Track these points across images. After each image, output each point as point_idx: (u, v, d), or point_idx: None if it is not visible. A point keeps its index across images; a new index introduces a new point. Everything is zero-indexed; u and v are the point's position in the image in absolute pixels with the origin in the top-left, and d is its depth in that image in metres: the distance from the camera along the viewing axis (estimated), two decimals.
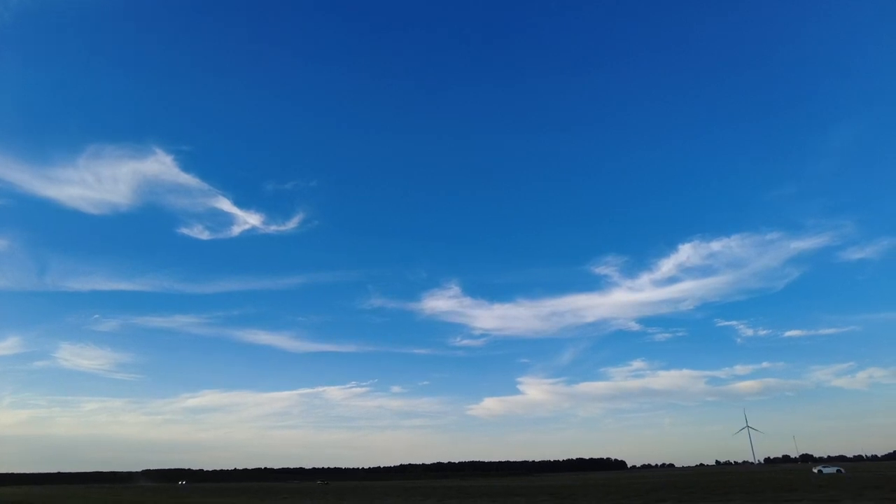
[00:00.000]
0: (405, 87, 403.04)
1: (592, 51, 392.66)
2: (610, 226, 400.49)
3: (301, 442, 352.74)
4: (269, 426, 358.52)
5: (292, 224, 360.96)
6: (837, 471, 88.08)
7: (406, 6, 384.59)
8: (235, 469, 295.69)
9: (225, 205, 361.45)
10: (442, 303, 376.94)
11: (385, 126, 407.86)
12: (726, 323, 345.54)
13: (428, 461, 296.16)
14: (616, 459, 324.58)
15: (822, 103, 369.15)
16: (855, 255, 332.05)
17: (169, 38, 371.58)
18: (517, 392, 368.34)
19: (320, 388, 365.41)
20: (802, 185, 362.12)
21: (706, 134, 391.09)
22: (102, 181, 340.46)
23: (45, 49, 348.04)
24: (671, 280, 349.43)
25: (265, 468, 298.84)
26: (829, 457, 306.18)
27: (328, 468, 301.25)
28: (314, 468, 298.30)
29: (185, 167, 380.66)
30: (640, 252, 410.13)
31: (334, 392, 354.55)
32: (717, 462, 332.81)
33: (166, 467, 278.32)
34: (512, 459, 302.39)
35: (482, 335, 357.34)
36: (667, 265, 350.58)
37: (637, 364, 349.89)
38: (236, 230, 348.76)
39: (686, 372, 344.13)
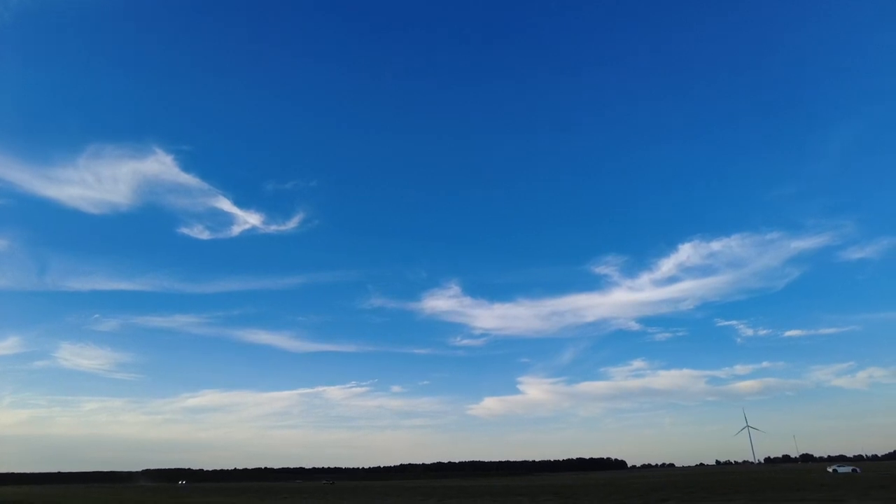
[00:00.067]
0: (405, 87, 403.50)
1: (592, 51, 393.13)
2: (610, 225, 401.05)
3: (301, 442, 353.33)
4: (269, 426, 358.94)
5: (292, 224, 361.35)
6: (853, 470, 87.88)
7: (406, 6, 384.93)
8: (235, 469, 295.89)
9: (225, 205, 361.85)
10: (442, 302, 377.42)
11: (385, 126, 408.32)
12: (726, 323, 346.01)
13: (428, 461, 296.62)
14: (616, 459, 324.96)
15: (822, 103, 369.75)
16: (855, 254, 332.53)
17: (169, 38, 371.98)
18: (517, 392, 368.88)
19: (320, 388, 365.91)
20: (802, 185, 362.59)
21: (706, 134, 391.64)
22: (102, 181, 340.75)
23: (45, 49, 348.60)
24: (671, 280, 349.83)
25: (265, 468, 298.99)
26: (829, 456, 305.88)
27: (328, 468, 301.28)
28: (314, 468, 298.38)
29: (186, 167, 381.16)
30: (640, 252, 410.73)
31: (334, 392, 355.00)
32: (717, 462, 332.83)
33: (166, 467, 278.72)
34: (512, 459, 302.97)
35: (482, 335, 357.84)
36: (667, 265, 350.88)
37: (637, 364, 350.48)
38: (236, 230, 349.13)
39: (686, 372, 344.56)
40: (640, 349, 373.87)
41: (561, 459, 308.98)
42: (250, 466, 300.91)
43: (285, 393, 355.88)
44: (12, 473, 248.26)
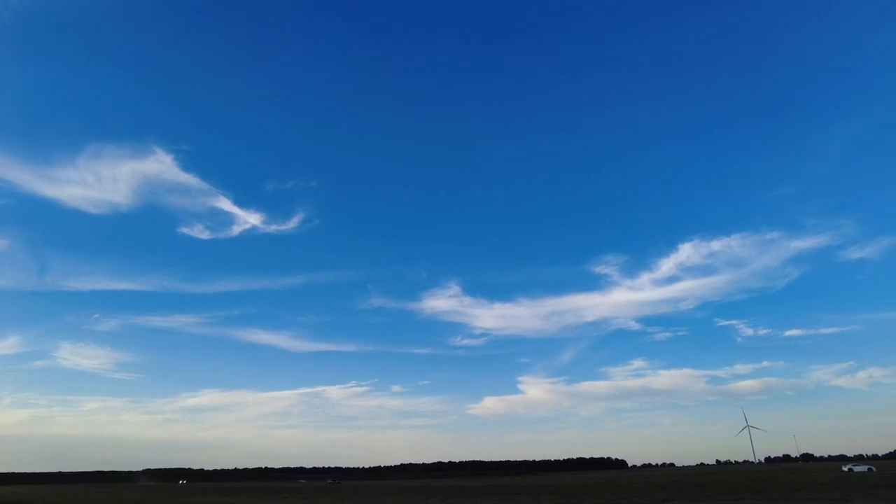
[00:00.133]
0: (405, 87, 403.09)
1: (592, 51, 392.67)
2: (610, 225, 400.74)
3: (301, 441, 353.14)
4: (269, 426, 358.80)
5: (292, 224, 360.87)
6: (868, 469, 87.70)
7: (406, 6, 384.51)
8: (236, 469, 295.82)
9: (225, 204, 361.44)
10: (442, 302, 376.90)
11: (385, 126, 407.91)
12: (726, 322, 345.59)
13: (428, 461, 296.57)
14: (616, 459, 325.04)
15: (822, 103, 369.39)
16: (855, 254, 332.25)
17: (169, 38, 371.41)
18: (517, 391, 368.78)
19: (320, 388, 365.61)
20: (802, 185, 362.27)
21: (706, 133, 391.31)
22: (102, 181, 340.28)
23: (45, 49, 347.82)
24: (671, 279, 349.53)
25: (265, 468, 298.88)
26: (829, 456, 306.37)
27: (328, 468, 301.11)
28: (314, 468, 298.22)
29: (186, 167, 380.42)
30: (640, 251, 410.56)
31: (334, 392, 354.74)
32: (717, 461, 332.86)
33: (166, 467, 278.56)
34: (512, 459, 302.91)
35: (482, 335, 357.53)
36: (667, 265, 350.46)
37: (637, 363, 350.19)
38: (236, 230, 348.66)
39: (686, 371, 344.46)
40: (641, 349, 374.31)
41: (561, 459, 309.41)
42: (250, 466, 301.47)
43: (285, 393, 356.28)
44: (12, 473, 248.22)
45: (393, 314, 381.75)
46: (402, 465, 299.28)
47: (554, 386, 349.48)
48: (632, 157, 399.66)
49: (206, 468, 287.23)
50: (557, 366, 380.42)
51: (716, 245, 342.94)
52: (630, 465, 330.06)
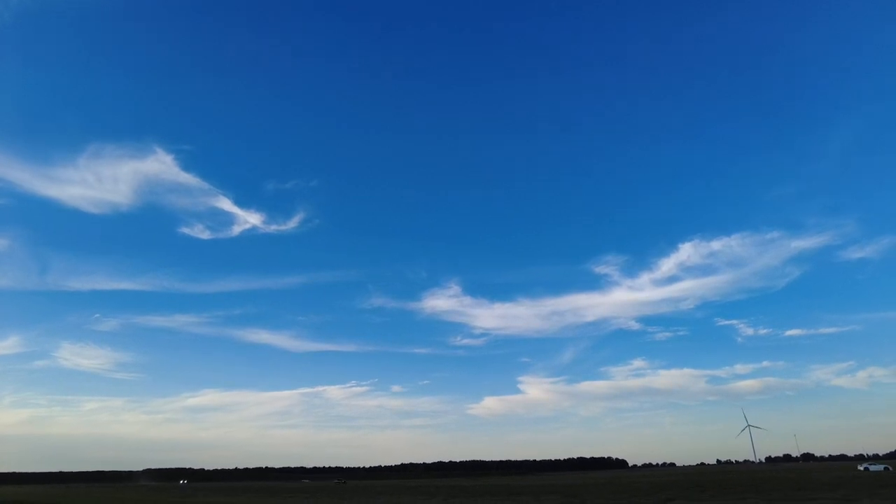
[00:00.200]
0: (405, 87, 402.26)
1: (592, 51, 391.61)
2: (610, 225, 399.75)
3: (301, 441, 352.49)
4: (269, 425, 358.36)
5: (293, 223, 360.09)
6: (885, 469, 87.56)
7: (406, 6, 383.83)
8: (236, 468, 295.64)
9: (225, 204, 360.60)
10: (442, 302, 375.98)
11: (385, 126, 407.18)
12: (727, 322, 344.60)
13: (428, 461, 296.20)
14: (617, 458, 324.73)
15: (822, 102, 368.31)
16: (855, 254, 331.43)
17: (169, 38, 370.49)
18: (517, 391, 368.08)
19: (321, 388, 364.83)
20: (803, 185, 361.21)
21: (706, 133, 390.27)
22: (103, 181, 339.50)
23: (45, 49, 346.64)
24: (672, 279, 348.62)
25: (266, 467, 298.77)
26: (830, 455, 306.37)
27: (329, 467, 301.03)
28: (315, 467, 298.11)
29: (186, 167, 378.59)
30: (640, 251, 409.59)
31: (334, 391, 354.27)
32: (717, 461, 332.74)
33: (167, 466, 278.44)
34: (512, 459, 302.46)
35: (482, 334, 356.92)
36: (667, 264, 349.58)
37: (637, 363, 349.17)
38: (237, 230, 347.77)
39: (686, 371, 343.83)
40: (641, 349, 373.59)
41: (562, 459, 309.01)
42: (251, 466, 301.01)
43: (286, 392, 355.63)
44: (13, 473, 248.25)
45: (393, 314, 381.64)
46: (402, 464, 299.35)
47: (554, 386, 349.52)
48: (632, 156, 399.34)
49: (206, 468, 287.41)
50: (557, 366, 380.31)
51: (716, 245, 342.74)
52: (630, 464, 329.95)
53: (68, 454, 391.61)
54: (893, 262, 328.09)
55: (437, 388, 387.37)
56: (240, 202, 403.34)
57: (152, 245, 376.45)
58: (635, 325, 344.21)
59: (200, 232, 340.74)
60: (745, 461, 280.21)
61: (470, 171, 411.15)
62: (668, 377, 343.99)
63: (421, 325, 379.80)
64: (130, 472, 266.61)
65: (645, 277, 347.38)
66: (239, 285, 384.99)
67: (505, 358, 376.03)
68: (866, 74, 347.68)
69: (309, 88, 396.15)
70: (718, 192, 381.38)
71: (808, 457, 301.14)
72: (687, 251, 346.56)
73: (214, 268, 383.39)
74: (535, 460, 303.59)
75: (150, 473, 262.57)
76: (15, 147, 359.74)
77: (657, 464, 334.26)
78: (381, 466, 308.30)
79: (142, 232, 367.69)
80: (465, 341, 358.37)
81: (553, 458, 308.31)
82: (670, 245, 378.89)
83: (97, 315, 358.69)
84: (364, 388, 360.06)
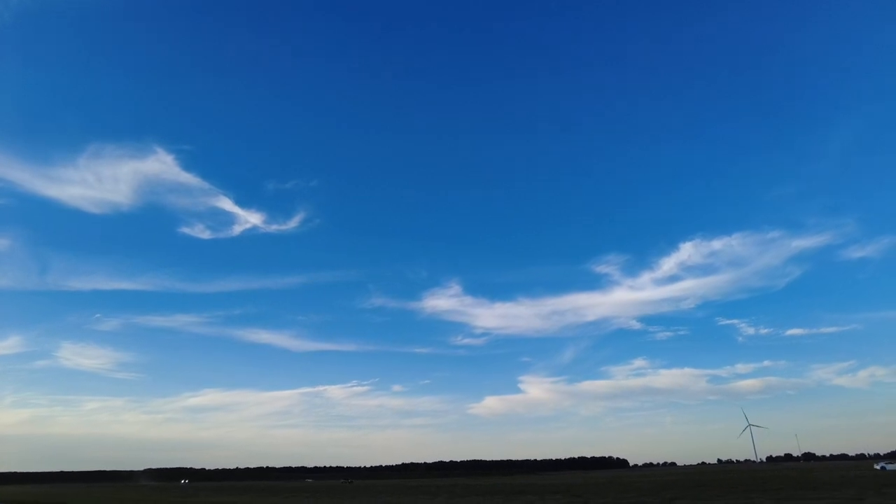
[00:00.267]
0: (405, 86, 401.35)
1: (592, 51, 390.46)
2: (611, 225, 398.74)
3: (302, 441, 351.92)
4: (270, 425, 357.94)
5: (293, 223, 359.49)
6: None
7: (406, 6, 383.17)
8: (237, 468, 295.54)
9: (226, 204, 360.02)
10: (443, 302, 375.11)
11: (385, 126, 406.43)
12: (727, 321, 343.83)
13: (429, 460, 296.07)
14: (618, 458, 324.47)
15: (822, 102, 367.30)
16: (856, 253, 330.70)
17: (169, 38, 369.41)
18: (518, 391, 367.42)
19: (321, 388, 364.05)
20: (803, 184, 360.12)
21: (707, 133, 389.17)
22: (103, 180, 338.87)
23: (45, 49, 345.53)
24: (672, 279, 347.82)
25: (267, 467, 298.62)
26: (831, 455, 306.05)
27: (330, 467, 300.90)
28: (316, 467, 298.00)
29: (186, 166, 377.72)
30: (641, 251, 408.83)
31: (335, 391, 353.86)
32: (718, 461, 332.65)
33: (167, 466, 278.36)
34: (513, 458, 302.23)
35: (483, 334, 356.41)
36: (668, 264, 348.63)
37: (638, 363, 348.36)
38: (237, 229, 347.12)
39: (687, 370, 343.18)
40: (641, 348, 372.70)
41: (562, 458, 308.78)
42: (252, 466, 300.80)
43: (286, 392, 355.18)
44: (14, 473, 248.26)
45: (393, 314, 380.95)
46: (403, 464, 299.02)
47: (555, 385, 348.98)
48: (632, 156, 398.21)
49: (207, 468, 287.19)
50: (558, 365, 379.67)
51: (717, 244, 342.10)
52: (631, 464, 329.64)
53: (69, 454, 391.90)
54: (894, 262, 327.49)
55: (437, 388, 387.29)
56: (240, 202, 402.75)
57: (153, 245, 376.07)
58: (636, 325, 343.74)
59: (201, 232, 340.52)
60: (747, 461, 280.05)
61: (470, 170, 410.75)
62: (669, 377, 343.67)
63: (421, 325, 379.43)
64: (131, 472, 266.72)
65: (646, 277, 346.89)
66: (239, 285, 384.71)
67: (505, 357, 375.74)
68: (866, 74, 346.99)
69: (309, 88, 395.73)
70: (719, 191, 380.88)
71: (809, 456, 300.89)
72: (688, 251, 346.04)
73: (215, 268, 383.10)
74: (535, 460, 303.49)
75: (150, 473, 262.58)
76: (15, 147, 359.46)
77: (658, 463, 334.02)
78: (381, 466, 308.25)
79: (142, 232, 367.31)
80: (466, 341, 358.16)
81: (554, 458, 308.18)
82: (671, 244, 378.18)
83: (98, 315, 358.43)
84: (365, 388, 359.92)
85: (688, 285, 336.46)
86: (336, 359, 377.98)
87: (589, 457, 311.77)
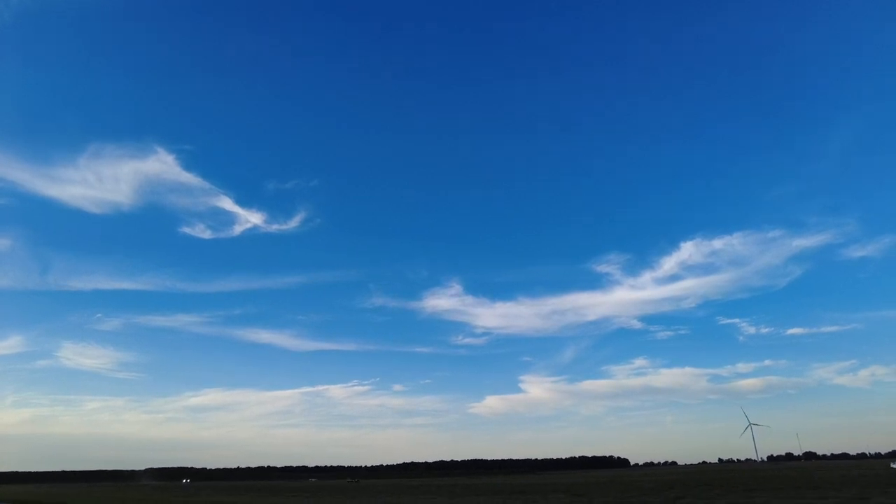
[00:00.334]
0: (405, 86, 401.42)
1: (593, 51, 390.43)
2: (612, 224, 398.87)
3: (303, 440, 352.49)
4: (271, 425, 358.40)
5: (294, 223, 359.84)
6: None
7: (406, 6, 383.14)
8: (238, 468, 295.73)
9: (226, 204, 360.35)
10: (443, 301, 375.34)
11: (386, 126, 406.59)
12: (728, 321, 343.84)
13: (430, 459, 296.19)
14: (619, 457, 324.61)
15: (823, 102, 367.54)
16: (857, 252, 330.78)
17: (169, 38, 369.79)
18: (519, 390, 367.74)
19: (322, 387, 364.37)
20: (804, 184, 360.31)
21: (708, 132, 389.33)
22: (104, 180, 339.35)
23: (45, 49, 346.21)
24: (673, 278, 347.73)
25: (268, 467, 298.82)
26: (832, 454, 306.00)
27: (330, 466, 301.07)
28: (317, 466, 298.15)
29: (187, 166, 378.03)
30: (642, 250, 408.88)
31: (336, 391, 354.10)
32: (719, 460, 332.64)
33: (168, 466, 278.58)
34: (514, 458, 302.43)
35: (484, 333, 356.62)
36: (669, 263, 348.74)
37: (639, 362, 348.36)
38: (238, 229, 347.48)
39: (688, 370, 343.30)
40: (642, 347, 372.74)
41: (563, 458, 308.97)
42: (253, 465, 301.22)
43: (287, 392, 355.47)
44: (15, 472, 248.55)
45: (394, 313, 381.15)
46: (403, 463, 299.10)
47: (555, 385, 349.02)
48: (633, 156, 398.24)
49: (208, 467, 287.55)
50: (559, 365, 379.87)
51: (717, 244, 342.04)
52: (632, 463, 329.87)
53: (70, 454, 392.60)
54: (895, 261, 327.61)
55: (438, 388, 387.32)
56: (241, 202, 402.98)
57: (153, 245, 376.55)
58: (637, 324, 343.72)
59: (201, 231, 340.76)
60: (748, 460, 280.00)
61: (470, 170, 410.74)
62: (670, 376, 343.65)
63: (422, 325, 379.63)
64: (132, 472, 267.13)
65: (646, 276, 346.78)
66: (240, 285, 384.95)
67: (506, 357, 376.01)
68: (868, 73, 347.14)
69: (309, 88, 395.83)
70: (720, 191, 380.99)
71: (810, 455, 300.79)
72: (688, 250, 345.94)
73: (215, 267, 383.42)
74: (536, 459, 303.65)
75: (151, 473, 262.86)
76: (16, 147, 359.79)
77: (658, 462, 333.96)
78: (382, 465, 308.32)
79: (143, 232, 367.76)
80: (467, 340, 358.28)
81: (555, 457, 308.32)
82: (672, 244, 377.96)
83: (99, 315, 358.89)
84: (365, 388, 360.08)
85: (688, 285, 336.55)
86: (337, 358, 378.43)
87: (590, 456, 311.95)
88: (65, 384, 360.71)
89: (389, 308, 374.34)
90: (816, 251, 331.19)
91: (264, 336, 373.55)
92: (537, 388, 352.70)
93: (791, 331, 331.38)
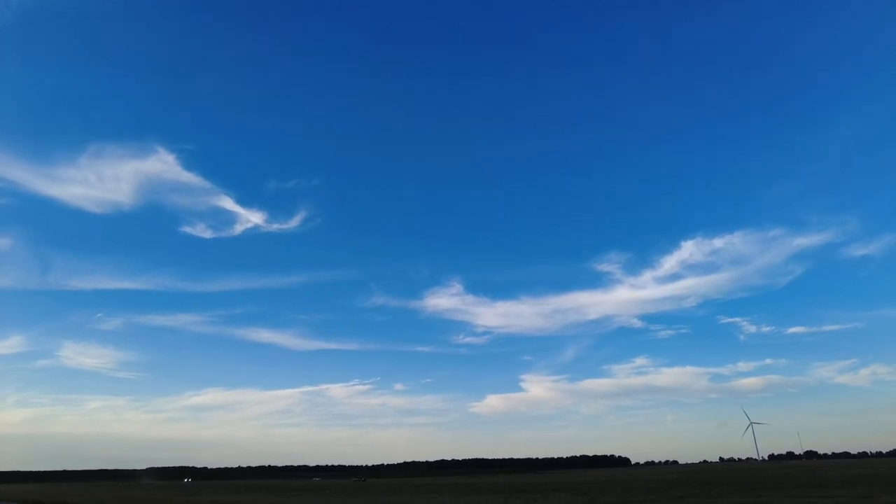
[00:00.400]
0: (406, 86, 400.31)
1: (593, 49, 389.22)
2: (612, 223, 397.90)
3: (304, 440, 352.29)
4: (271, 424, 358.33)
5: (294, 222, 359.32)
6: None
7: (407, 6, 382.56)
8: (239, 467, 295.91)
9: (227, 203, 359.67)
10: (444, 300, 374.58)
11: (387, 125, 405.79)
12: (729, 320, 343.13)
13: (431, 459, 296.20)
14: (619, 456, 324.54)
15: (824, 100, 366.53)
16: (858, 251, 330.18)
17: (170, 37, 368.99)
18: (520, 389, 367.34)
19: (323, 386, 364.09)
20: (805, 182, 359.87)
21: (709, 131, 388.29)
22: (104, 180, 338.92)
23: (45, 49, 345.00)
24: (674, 277, 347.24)
25: (269, 466, 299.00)
26: (833, 453, 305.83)
27: (331, 466, 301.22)
28: (318, 466, 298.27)
29: (188, 166, 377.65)
30: (642, 249, 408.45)
31: (337, 390, 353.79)
32: (720, 459, 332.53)
33: (170, 465, 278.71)
34: (515, 457, 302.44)
35: (485, 333, 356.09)
36: (669, 262, 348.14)
37: (640, 361, 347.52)
38: (239, 228, 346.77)
39: (689, 369, 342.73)
40: (643, 346, 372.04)
41: (564, 457, 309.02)
42: (253, 465, 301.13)
43: (288, 391, 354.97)
44: (16, 472, 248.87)
45: (395, 312, 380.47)
46: (404, 463, 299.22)
47: (556, 384, 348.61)
48: (633, 155, 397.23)
49: (209, 466, 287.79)
50: (560, 364, 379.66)
51: (718, 242, 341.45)
52: (633, 462, 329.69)
53: (71, 453, 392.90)
54: None
55: (439, 387, 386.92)
56: (241, 201, 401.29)
57: (154, 244, 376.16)
58: (638, 323, 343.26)
59: (202, 231, 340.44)
60: (749, 459, 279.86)
61: (471, 169, 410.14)
62: (671, 375, 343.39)
63: (423, 324, 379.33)
64: (133, 471, 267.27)
65: (647, 275, 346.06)
66: (241, 284, 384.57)
67: (507, 356, 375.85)
68: (869, 72, 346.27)
69: (310, 87, 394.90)
70: (720, 189, 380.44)
71: (811, 454, 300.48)
72: (689, 249, 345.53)
73: (216, 267, 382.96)
74: (537, 458, 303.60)
75: (152, 472, 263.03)
76: (16, 147, 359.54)
77: (659, 462, 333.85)
78: (383, 465, 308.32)
79: (144, 231, 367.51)
80: (468, 339, 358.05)
81: (556, 456, 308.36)
82: (672, 243, 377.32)
83: (99, 314, 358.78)
84: (366, 387, 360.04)
85: (689, 284, 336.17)
86: (337, 358, 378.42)
87: (591, 455, 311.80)
88: (66, 384, 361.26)
89: (390, 307, 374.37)
90: (817, 250, 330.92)
91: (265, 335, 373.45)
92: (538, 388, 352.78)
93: (792, 330, 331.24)
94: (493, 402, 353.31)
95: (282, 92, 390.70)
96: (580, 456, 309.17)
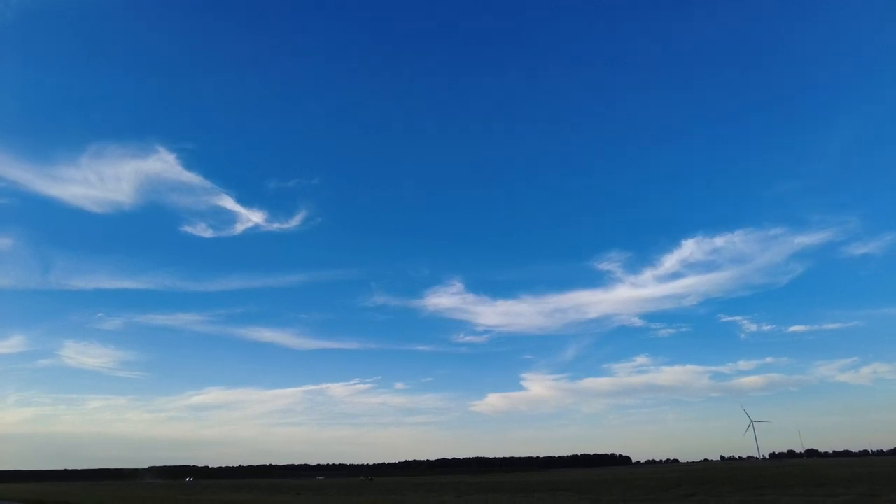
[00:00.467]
0: (406, 86, 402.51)
1: (594, 49, 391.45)
2: (613, 222, 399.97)
3: (305, 439, 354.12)
4: (273, 423, 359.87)
5: (295, 222, 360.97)
6: None
7: (406, 6, 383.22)
8: (240, 466, 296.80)
9: (228, 203, 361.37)
10: (445, 300, 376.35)
11: (387, 125, 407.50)
12: (730, 318, 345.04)
13: (432, 457, 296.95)
14: (620, 455, 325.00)
15: (825, 99, 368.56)
16: (859, 250, 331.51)
17: (170, 36, 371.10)
18: (521, 388, 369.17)
19: (324, 385, 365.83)
20: (806, 181, 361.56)
21: (709, 130, 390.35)
22: (105, 180, 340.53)
23: (46, 49, 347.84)
24: (674, 276, 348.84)
25: (270, 465, 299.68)
26: (834, 451, 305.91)
27: (332, 465, 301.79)
28: (319, 464, 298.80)
29: (188, 165, 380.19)
30: (643, 248, 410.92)
31: (338, 389, 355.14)
32: (721, 457, 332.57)
33: (171, 464, 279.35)
34: (515, 455, 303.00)
35: (485, 332, 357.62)
36: (670, 261, 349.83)
37: (640, 360, 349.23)
38: (239, 228, 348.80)
39: (690, 367, 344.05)
40: (644, 345, 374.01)
41: (565, 456, 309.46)
42: (255, 464, 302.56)
43: (289, 390, 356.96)
44: (17, 471, 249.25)
45: (396, 312, 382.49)
46: (405, 461, 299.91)
47: (557, 383, 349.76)
48: (634, 154, 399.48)
49: (210, 466, 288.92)
50: (560, 363, 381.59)
51: (719, 241, 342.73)
52: (634, 461, 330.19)
53: (72, 452, 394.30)
54: None
55: (440, 386, 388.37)
56: (242, 201, 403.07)
57: (155, 244, 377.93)
58: (638, 322, 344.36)
59: (203, 230, 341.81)
60: (749, 457, 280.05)
61: (472, 168, 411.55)
62: (672, 374, 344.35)
63: (424, 323, 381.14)
64: (135, 470, 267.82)
65: (648, 274, 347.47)
66: (241, 284, 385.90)
67: (508, 355, 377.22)
68: (870, 71, 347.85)
69: (311, 87, 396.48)
70: (721, 188, 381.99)
71: (812, 453, 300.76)
72: (690, 248, 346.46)
73: (217, 266, 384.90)
74: (538, 457, 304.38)
75: (154, 471, 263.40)
76: (17, 147, 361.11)
77: (660, 460, 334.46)
78: (384, 464, 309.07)
79: (144, 231, 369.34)
80: (468, 338, 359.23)
81: (556, 455, 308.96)
82: (673, 242, 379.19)
83: (100, 314, 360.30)
84: (367, 386, 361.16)
85: (690, 282, 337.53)
86: (338, 357, 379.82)
87: (591, 454, 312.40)
88: (67, 383, 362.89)
89: (391, 306, 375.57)
90: (818, 248, 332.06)
91: (266, 335, 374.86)
92: (539, 386, 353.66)
93: (793, 328, 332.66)
94: (494, 401, 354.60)
95: (282, 92, 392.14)
96: (581, 455, 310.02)
